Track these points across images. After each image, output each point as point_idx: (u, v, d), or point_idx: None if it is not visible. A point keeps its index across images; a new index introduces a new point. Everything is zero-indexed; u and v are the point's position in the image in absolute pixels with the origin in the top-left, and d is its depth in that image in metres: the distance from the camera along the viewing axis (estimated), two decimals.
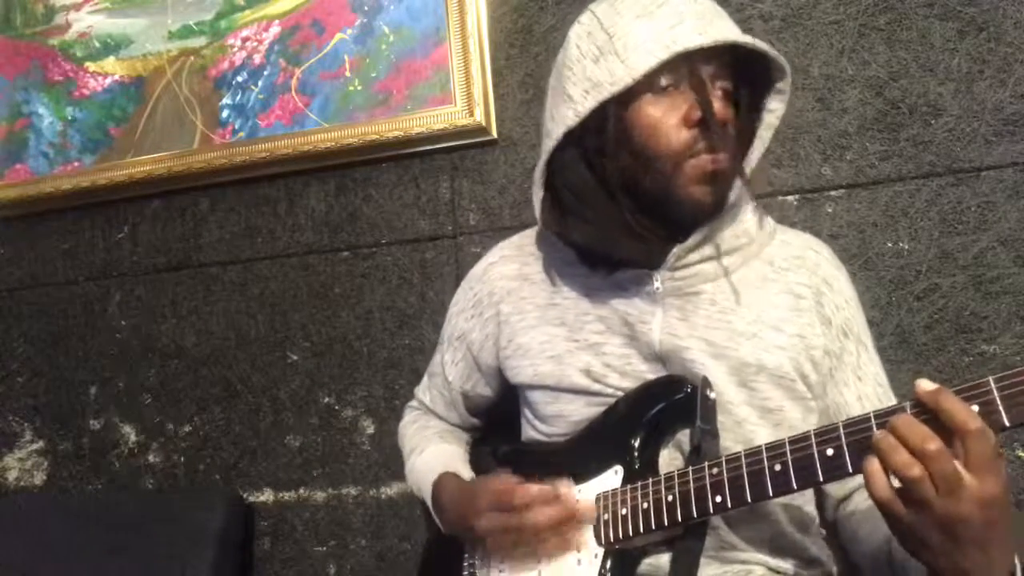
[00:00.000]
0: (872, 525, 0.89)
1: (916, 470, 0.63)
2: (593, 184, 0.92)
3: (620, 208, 0.91)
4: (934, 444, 0.63)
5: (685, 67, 0.86)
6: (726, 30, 0.86)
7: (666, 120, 0.87)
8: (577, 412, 0.96)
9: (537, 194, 0.95)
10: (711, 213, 0.91)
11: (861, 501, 0.95)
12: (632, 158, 0.89)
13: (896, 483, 0.65)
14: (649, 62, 0.83)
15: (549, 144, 0.92)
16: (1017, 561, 0.67)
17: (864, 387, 0.96)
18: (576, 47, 0.91)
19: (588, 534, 0.88)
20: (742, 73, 0.91)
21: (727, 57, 0.89)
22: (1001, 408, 0.64)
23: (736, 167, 0.88)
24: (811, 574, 0.95)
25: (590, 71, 0.88)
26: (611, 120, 0.88)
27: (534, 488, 0.86)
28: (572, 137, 0.91)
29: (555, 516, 0.85)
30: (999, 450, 0.65)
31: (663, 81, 0.87)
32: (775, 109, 0.93)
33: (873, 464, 0.66)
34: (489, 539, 0.90)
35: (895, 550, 0.83)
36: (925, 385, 0.67)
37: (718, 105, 0.86)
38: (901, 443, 0.64)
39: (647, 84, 0.86)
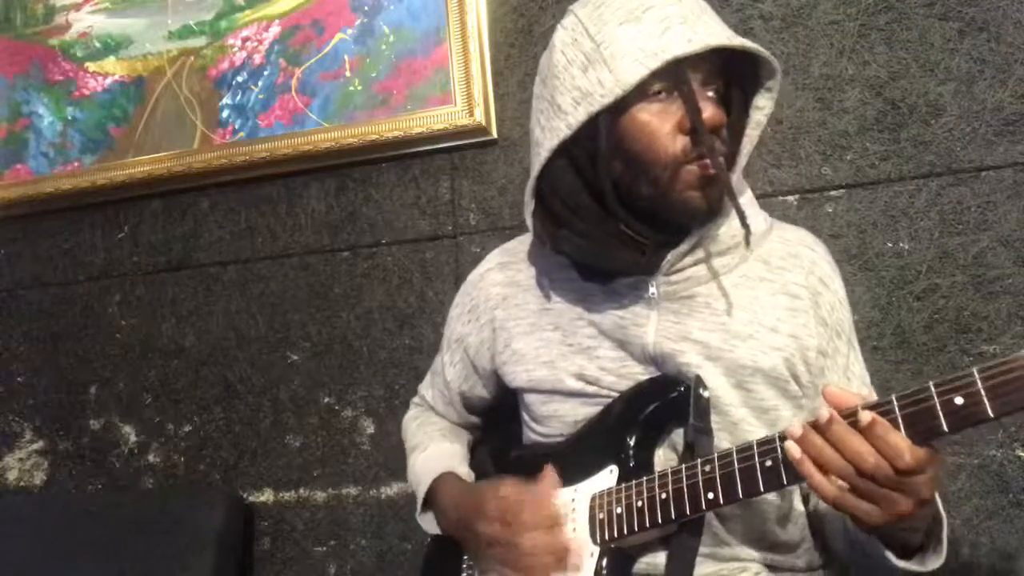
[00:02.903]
0: (832, 511, 0.92)
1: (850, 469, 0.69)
2: (584, 194, 0.91)
3: (612, 217, 0.90)
4: (871, 459, 0.67)
5: (675, 72, 0.84)
6: (714, 32, 0.84)
7: (660, 127, 0.86)
8: (572, 412, 0.97)
9: (528, 205, 0.95)
10: (708, 217, 0.90)
11: None
12: (625, 166, 0.88)
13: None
14: (639, 72, 0.82)
15: (542, 156, 0.91)
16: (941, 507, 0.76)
17: (851, 387, 0.96)
18: (562, 53, 0.90)
19: (584, 535, 0.88)
20: (732, 71, 0.90)
21: (716, 57, 0.87)
22: (985, 399, 0.64)
23: (725, 174, 0.86)
24: (803, 565, 0.96)
25: (579, 80, 0.87)
26: (602, 129, 0.87)
27: (538, 514, 0.87)
28: (561, 147, 0.89)
29: (548, 545, 0.85)
30: (930, 456, 0.69)
31: (654, 87, 0.86)
32: (763, 107, 0.91)
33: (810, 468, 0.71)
34: (484, 548, 0.89)
35: (849, 527, 0.87)
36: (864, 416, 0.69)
37: (711, 109, 0.85)
38: (836, 451, 0.69)
39: (638, 91, 0.85)
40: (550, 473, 0.91)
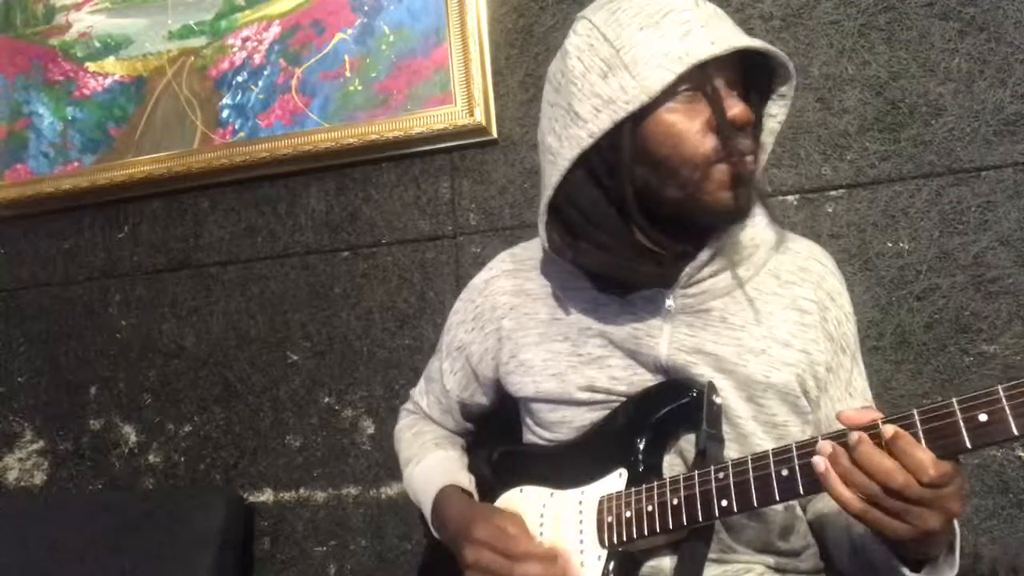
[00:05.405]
0: (836, 520, 0.93)
1: (875, 488, 0.68)
2: (604, 204, 0.89)
3: (632, 228, 0.89)
4: (900, 477, 0.67)
5: (699, 75, 0.83)
6: (734, 35, 0.84)
7: (690, 127, 0.84)
8: (580, 418, 0.96)
9: (542, 218, 0.92)
10: (737, 217, 0.89)
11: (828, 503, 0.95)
12: (652, 170, 0.86)
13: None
14: (665, 78, 0.81)
15: (562, 166, 0.88)
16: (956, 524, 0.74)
17: (854, 403, 0.97)
18: (578, 60, 0.87)
19: (591, 537, 0.88)
20: (747, 78, 0.89)
21: (736, 61, 0.86)
22: (1010, 417, 0.64)
23: (757, 171, 0.86)
24: (806, 568, 0.96)
25: (599, 87, 0.85)
26: (626, 136, 0.85)
27: (537, 543, 0.85)
28: (580, 157, 0.87)
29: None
30: (954, 470, 0.68)
31: (679, 88, 0.84)
32: (776, 115, 0.90)
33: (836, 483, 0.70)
34: (470, 571, 0.87)
35: (855, 536, 0.86)
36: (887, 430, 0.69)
37: (738, 107, 0.84)
38: (863, 472, 0.69)
39: (662, 95, 0.83)
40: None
